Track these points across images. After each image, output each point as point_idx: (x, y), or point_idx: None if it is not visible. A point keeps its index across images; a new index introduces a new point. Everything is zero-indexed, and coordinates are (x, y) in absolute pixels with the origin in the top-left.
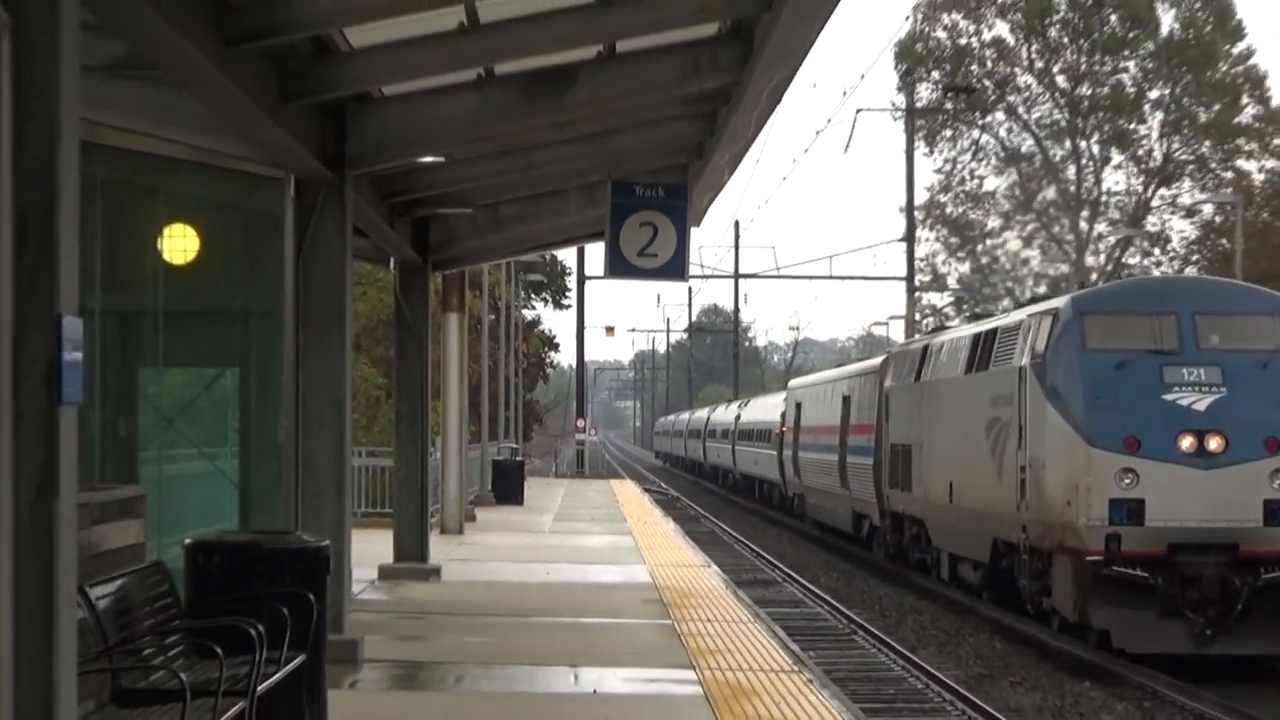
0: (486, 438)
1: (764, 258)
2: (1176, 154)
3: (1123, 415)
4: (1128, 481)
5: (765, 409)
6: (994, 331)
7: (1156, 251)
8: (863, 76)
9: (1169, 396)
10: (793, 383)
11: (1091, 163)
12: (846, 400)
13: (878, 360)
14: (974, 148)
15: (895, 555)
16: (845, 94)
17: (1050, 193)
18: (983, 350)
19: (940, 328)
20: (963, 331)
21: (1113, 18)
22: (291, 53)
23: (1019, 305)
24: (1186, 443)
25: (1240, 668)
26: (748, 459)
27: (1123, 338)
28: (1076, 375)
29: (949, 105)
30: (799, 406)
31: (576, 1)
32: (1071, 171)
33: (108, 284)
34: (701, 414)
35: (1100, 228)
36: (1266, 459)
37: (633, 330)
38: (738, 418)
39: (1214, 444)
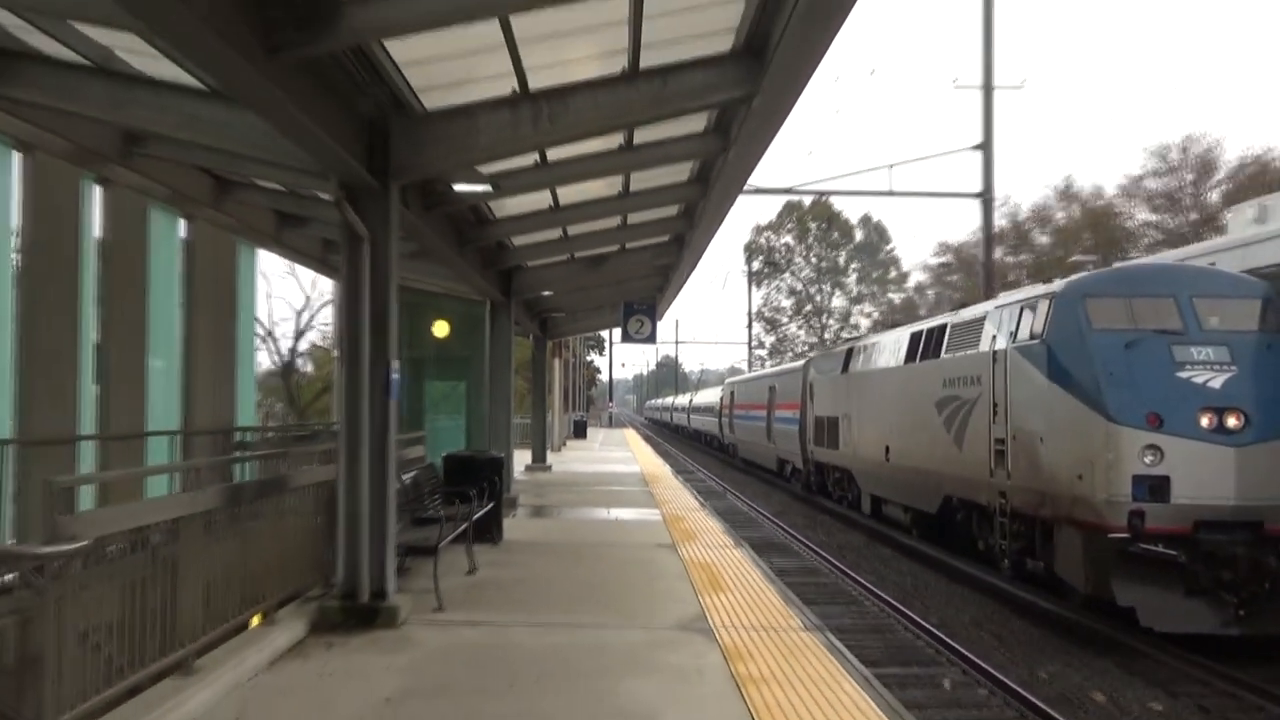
0: (571, 410)
1: (688, 333)
2: (863, 291)
3: (1141, 393)
4: (1151, 459)
5: (708, 396)
6: (943, 328)
7: (851, 333)
8: (736, 261)
9: (1183, 374)
10: (728, 380)
11: (827, 294)
12: (772, 389)
13: (799, 364)
14: (777, 288)
15: (817, 490)
16: (725, 260)
17: (809, 307)
18: (929, 343)
19: (855, 338)
20: (893, 334)
21: (835, 234)
22: (499, 258)
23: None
24: (1206, 420)
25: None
26: (698, 422)
27: (1125, 319)
28: (1087, 354)
29: (766, 270)
30: (733, 394)
31: (610, 225)
32: (819, 298)
33: (410, 346)
34: (669, 399)
35: (831, 322)
36: None
37: (635, 365)
38: (691, 400)
39: (1232, 421)
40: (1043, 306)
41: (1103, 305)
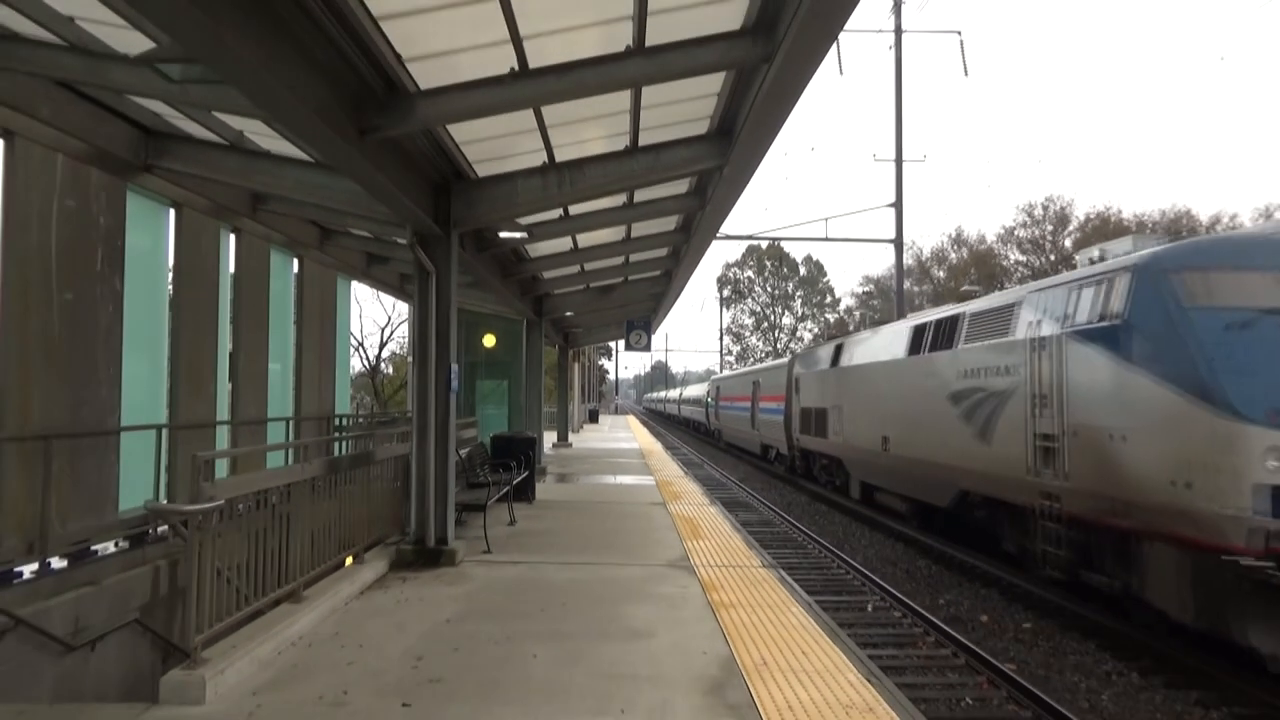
0: (585, 402)
1: (675, 343)
2: (805, 313)
3: (1263, 383)
4: None
5: (695, 390)
6: (955, 319)
7: (799, 345)
8: (710, 289)
9: None
10: (713, 377)
11: (779, 314)
12: (755, 384)
13: (784, 360)
14: (741, 310)
15: (802, 474)
16: (703, 291)
17: (765, 324)
18: (939, 335)
19: (844, 334)
20: (890, 329)
21: (784, 269)
22: (533, 287)
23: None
24: None
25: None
26: (687, 411)
27: (1229, 296)
28: (1186, 337)
29: (733, 296)
30: (718, 388)
31: (616, 263)
32: (773, 318)
33: (466, 353)
34: (663, 393)
35: (781, 335)
36: None
37: (634, 367)
38: (681, 393)
39: None
40: (1119, 283)
41: (1198, 280)
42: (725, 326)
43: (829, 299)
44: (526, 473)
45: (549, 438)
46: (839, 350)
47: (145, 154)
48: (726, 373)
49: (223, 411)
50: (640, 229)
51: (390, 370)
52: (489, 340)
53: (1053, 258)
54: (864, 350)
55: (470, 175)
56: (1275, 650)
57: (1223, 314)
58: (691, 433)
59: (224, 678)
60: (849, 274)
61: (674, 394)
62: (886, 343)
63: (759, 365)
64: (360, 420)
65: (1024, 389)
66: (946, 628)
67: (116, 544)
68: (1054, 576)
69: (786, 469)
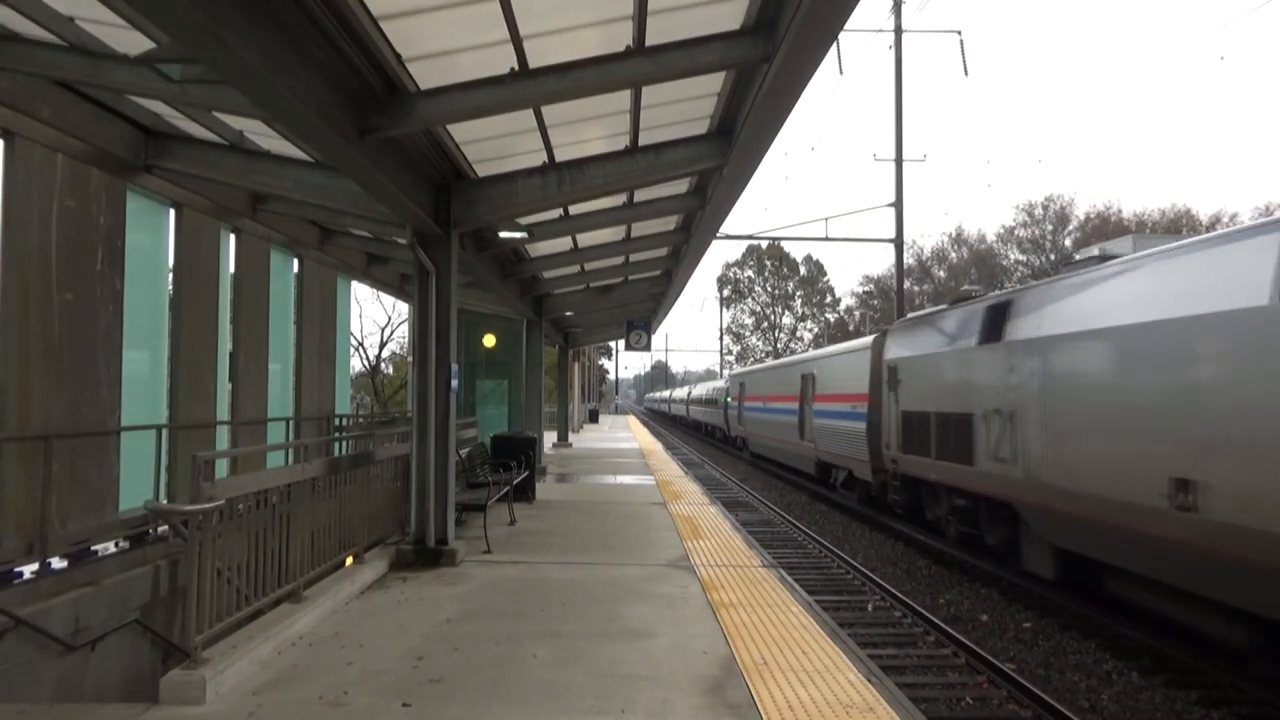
0: (585, 401)
1: (675, 343)
2: (805, 312)
3: None
4: None
5: (707, 389)
6: None
7: (799, 345)
8: (710, 289)
9: None
10: (733, 373)
11: (779, 314)
12: (808, 377)
13: (863, 341)
14: (741, 310)
15: (904, 512)
16: (703, 291)
17: (765, 324)
18: None
19: (964, 298)
20: (1174, 254)
21: (784, 269)
22: (533, 287)
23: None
24: None
25: None
26: (697, 413)
27: None
28: None
29: (733, 296)
30: (743, 386)
31: (616, 263)
32: (773, 317)
33: (466, 353)
34: (666, 393)
35: (781, 335)
36: None
37: (634, 367)
38: (689, 392)
39: None
40: None
41: None
42: (725, 326)
43: (829, 299)
44: (526, 473)
45: (549, 438)
46: (1002, 313)
47: (145, 154)
48: (758, 365)
49: (223, 411)
50: (640, 229)
51: (390, 370)
52: (489, 340)
53: (1053, 257)
54: (1082, 305)
55: (470, 175)
56: None
57: None
58: (703, 437)
59: (224, 678)
60: (849, 274)
61: (681, 393)
62: (1164, 283)
63: (813, 352)
64: (360, 420)
65: None
66: (947, 627)
67: (116, 544)
68: None
69: (863, 499)
